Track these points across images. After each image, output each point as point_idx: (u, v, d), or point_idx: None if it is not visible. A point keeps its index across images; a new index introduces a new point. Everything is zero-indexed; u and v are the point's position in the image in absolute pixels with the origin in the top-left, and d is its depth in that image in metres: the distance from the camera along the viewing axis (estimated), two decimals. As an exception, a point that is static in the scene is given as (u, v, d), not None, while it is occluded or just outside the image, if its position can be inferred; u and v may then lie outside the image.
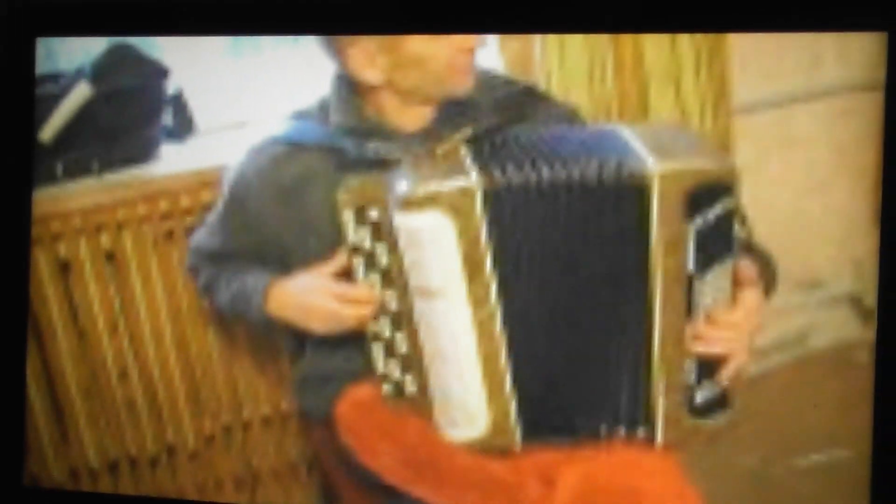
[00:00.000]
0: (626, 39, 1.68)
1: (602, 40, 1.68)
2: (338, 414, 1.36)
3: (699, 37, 1.69)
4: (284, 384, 1.73)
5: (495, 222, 1.15)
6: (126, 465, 1.72)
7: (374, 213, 1.22)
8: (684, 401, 1.21)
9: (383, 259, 1.24)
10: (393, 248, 1.22)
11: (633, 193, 1.13)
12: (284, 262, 1.35)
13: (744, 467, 1.83)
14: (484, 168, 1.15)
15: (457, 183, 1.15)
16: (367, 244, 1.24)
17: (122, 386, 1.69)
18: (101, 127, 1.65)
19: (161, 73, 1.69)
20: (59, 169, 1.63)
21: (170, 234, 1.65)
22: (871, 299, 1.96)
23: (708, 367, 1.21)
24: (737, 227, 1.18)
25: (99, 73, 1.63)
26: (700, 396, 1.22)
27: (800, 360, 2.03)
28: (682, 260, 1.14)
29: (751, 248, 1.29)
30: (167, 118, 1.76)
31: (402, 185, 1.16)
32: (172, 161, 1.72)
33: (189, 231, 1.62)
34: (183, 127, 1.77)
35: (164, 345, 1.69)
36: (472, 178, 1.14)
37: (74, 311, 1.65)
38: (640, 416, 1.22)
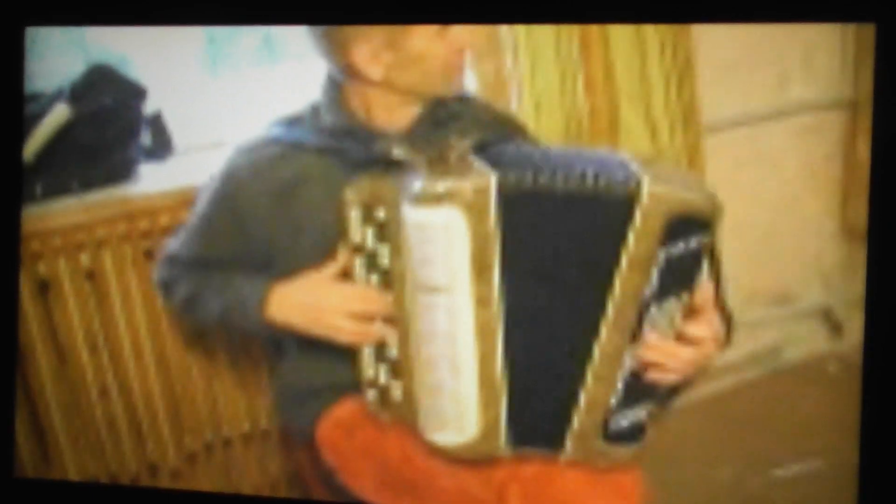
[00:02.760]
0: (597, 56, 1.70)
1: (573, 56, 1.69)
2: (319, 434, 1.36)
3: (668, 54, 1.71)
4: (265, 401, 1.74)
5: (506, 224, 1.16)
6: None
7: (381, 213, 1.22)
8: (600, 422, 1.22)
9: (385, 260, 1.24)
10: (396, 250, 1.22)
11: (620, 205, 1.13)
12: (269, 266, 1.34)
13: (720, 480, 1.85)
14: (501, 170, 1.16)
15: (474, 181, 1.15)
16: (370, 244, 1.24)
17: (102, 404, 1.69)
18: (81, 147, 1.65)
19: (139, 93, 1.70)
20: (39, 189, 1.63)
21: (149, 253, 1.64)
22: (841, 311, 1.99)
23: (634, 395, 1.22)
24: (706, 267, 1.19)
25: (78, 93, 1.64)
26: (615, 423, 1.22)
27: (773, 373, 2.05)
28: (644, 282, 1.15)
29: (719, 297, 1.28)
30: (146, 138, 1.76)
31: (418, 183, 1.16)
32: (151, 180, 1.72)
33: (167, 249, 1.63)
34: (161, 146, 1.78)
35: (143, 363, 1.69)
36: (492, 179, 1.15)
37: (54, 329, 1.65)
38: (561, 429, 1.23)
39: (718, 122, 1.84)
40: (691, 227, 1.14)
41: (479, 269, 1.16)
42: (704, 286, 1.21)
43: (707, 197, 1.15)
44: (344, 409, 1.35)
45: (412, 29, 1.24)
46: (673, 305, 1.19)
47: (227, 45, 1.86)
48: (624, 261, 1.14)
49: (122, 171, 1.70)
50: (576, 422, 1.22)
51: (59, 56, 1.72)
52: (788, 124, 1.90)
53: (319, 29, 1.28)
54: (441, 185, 1.15)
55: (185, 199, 1.60)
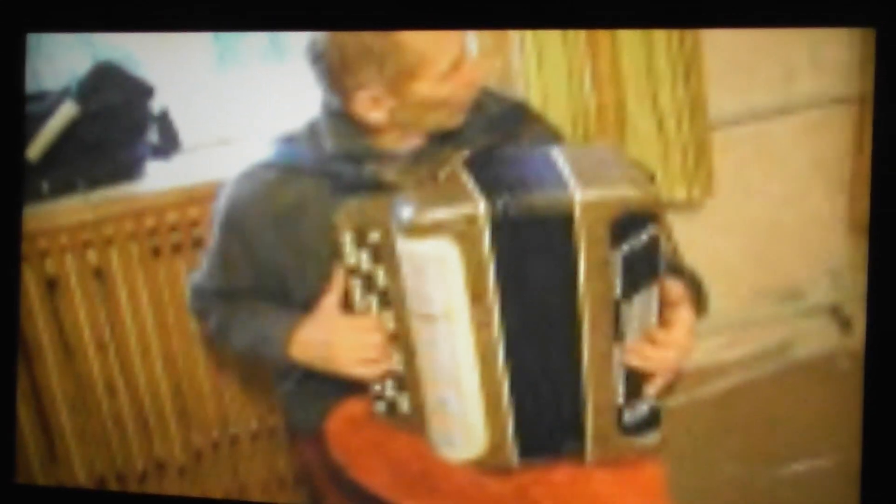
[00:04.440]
0: (604, 49, 1.69)
1: (580, 50, 1.69)
2: (328, 430, 1.36)
3: (675, 47, 1.70)
4: (271, 398, 1.74)
5: (497, 248, 1.17)
6: (114, 481, 1.72)
7: (374, 236, 1.22)
8: (614, 420, 1.23)
9: (381, 281, 1.24)
10: (392, 270, 1.22)
11: (561, 222, 1.15)
12: (284, 292, 1.34)
13: (728, 476, 1.84)
14: (488, 194, 1.17)
15: (463, 210, 1.16)
16: (365, 266, 1.24)
17: (109, 402, 1.70)
18: (88, 145, 1.66)
19: (146, 90, 1.71)
20: (46, 187, 1.64)
21: (156, 251, 1.65)
22: (850, 308, 1.98)
23: (635, 386, 1.23)
24: (663, 249, 1.20)
25: (84, 91, 1.65)
26: (630, 415, 1.24)
27: (782, 370, 2.04)
28: (609, 285, 1.17)
29: (679, 270, 1.31)
30: (152, 135, 1.76)
31: (407, 211, 1.17)
32: (158, 178, 1.72)
33: (177, 247, 1.64)
34: (168, 144, 1.78)
35: (150, 360, 1.70)
36: (480, 207, 1.16)
37: (61, 327, 1.65)
38: (577, 434, 1.25)
39: (724, 117, 1.83)
40: (636, 222, 1.15)
41: (475, 294, 1.18)
42: (669, 281, 1.23)
43: (642, 186, 1.17)
44: (352, 407, 1.35)
45: (416, 75, 1.22)
46: (644, 298, 1.20)
47: (233, 42, 1.86)
48: (582, 271, 1.16)
49: (128, 169, 1.71)
50: (589, 425, 1.23)
51: (65, 54, 1.72)
52: (796, 120, 1.89)
53: (317, 70, 1.27)
54: (429, 216, 1.15)
55: (191, 196, 1.62)
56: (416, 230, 1.16)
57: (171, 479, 1.75)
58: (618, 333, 1.19)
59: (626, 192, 1.15)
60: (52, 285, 1.64)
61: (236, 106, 1.80)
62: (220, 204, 1.36)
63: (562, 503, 1.26)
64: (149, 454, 1.73)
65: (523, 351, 1.21)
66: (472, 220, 1.15)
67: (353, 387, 1.33)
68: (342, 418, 1.36)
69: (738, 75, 1.83)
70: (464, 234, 1.15)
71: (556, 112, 1.66)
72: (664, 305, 1.22)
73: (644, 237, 1.16)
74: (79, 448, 1.71)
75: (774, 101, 1.87)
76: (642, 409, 1.24)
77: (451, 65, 1.23)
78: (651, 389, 1.24)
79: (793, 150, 1.90)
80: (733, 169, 1.85)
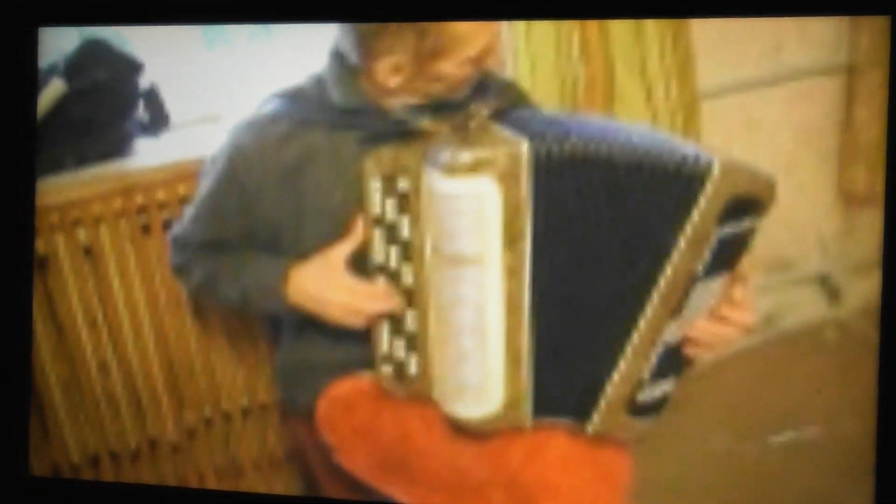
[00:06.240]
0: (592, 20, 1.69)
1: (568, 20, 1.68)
2: (318, 411, 1.36)
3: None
4: (264, 375, 1.74)
5: (537, 192, 1.14)
6: (108, 460, 1.72)
7: (403, 184, 1.21)
8: (628, 395, 1.21)
9: (405, 232, 1.23)
10: (416, 221, 1.21)
11: (689, 181, 1.11)
12: (274, 246, 1.33)
13: (716, 446, 1.85)
14: (532, 137, 1.14)
15: (507, 149, 1.13)
16: (390, 216, 1.23)
17: (101, 380, 1.69)
18: (76, 122, 1.65)
19: (134, 67, 1.70)
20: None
21: (146, 228, 1.65)
22: (838, 278, 2.00)
23: (667, 366, 1.21)
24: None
25: (72, 69, 1.64)
26: (643, 395, 1.22)
27: (770, 340, 2.06)
28: (697, 260, 1.14)
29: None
30: (141, 113, 1.76)
31: (446, 153, 1.15)
32: (147, 155, 1.72)
33: (167, 224, 1.63)
34: (157, 121, 1.77)
35: (142, 338, 1.69)
36: (523, 146, 1.13)
37: (53, 306, 1.65)
38: (589, 401, 1.23)
39: (712, 88, 1.83)
40: (748, 208, 1.13)
41: (511, 238, 1.15)
42: (744, 265, 1.20)
43: (768, 178, 1.13)
44: (343, 387, 1.35)
45: (446, 55, 1.22)
46: (717, 283, 1.18)
47: (221, 18, 1.85)
48: (683, 238, 1.13)
49: (117, 146, 1.70)
50: (608, 394, 1.21)
51: (52, 31, 1.71)
52: (783, 90, 1.90)
53: (347, 30, 1.26)
54: (471, 154, 1.13)
55: (181, 173, 1.61)
56: (459, 168, 1.13)
57: (164, 456, 1.75)
58: (679, 309, 1.17)
59: (762, 174, 1.12)
60: (42, 264, 1.63)
61: (225, 82, 1.80)
62: (221, 153, 1.34)
63: (543, 490, 1.24)
64: (141, 432, 1.73)
65: (559, 303, 1.18)
66: (515, 158, 1.12)
67: (346, 364, 1.33)
68: (332, 400, 1.36)
69: (726, 47, 1.83)
70: (505, 174, 1.12)
71: (544, 79, 1.66)
72: (733, 283, 1.20)
73: (746, 224, 1.13)
74: (71, 426, 1.70)
75: (762, 73, 1.88)
76: (658, 390, 1.23)
77: (482, 51, 1.23)
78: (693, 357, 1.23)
79: (781, 122, 1.92)
80: (721, 140, 1.86)
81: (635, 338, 1.18)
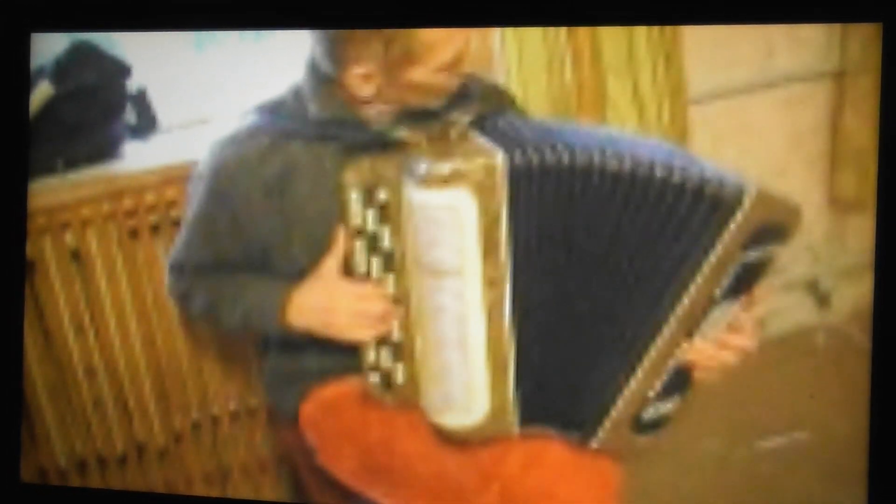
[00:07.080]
0: (584, 33, 1.69)
1: (560, 34, 1.69)
2: (303, 413, 1.36)
3: (656, 31, 1.71)
4: (252, 379, 1.74)
5: (515, 203, 1.14)
6: (95, 464, 1.72)
7: (382, 195, 1.21)
8: (634, 413, 1.22)
9: (386, 243, 1.22)
10: (397, 231, 1.21)
11: (715, 205, 1.10)
12: (267, 265, 1.32)
13: (706, 451, 1.86)
14: (506, 147, 1.14)
15: (482, 160, 1.13)
16: (370, 227, 1.23)
17: (88, 384, 1.69)
18: (64, 125, 1.64)
19: (123, 70, 1.69)
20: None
21: (134, 232, 1.64)
22: (828, 283, 2.00)
23: (674, 385, 1.22)
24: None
25: (60, 71, 1.63)
26: (647, 413, 1.23)
27: (760, 344, 2.06)
28: (718, 284, 1.14)
29: None
30: (130, 116, 1.75)
31: (422, 164, 1.15)
32: (136, 158, 1.71)
33: (155, 228, 1.63)
34: (146, 124, 1.76)
35: (129, 342, 1.69)
36: (498, 156, 1.13)
37: (40, 309, 1.64)
38: (593, 416, 1.23)
39: (703, 93, 1.84)
40: (774, 234, 1.13)
41: (489, 249, 1.15)
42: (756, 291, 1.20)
43: (796, 206, 1.14)
44: (329, 391, 1.35)
45: (417, 62, 1.21)
46: (732, 307, 1.18)
47: (210, 21, 1.84)
48: (707, 261, 1.12)
49: (106, 150, 1.69)
50: (616, 410, 1.22)
51: (41, 34, 1.70)
52: (774, 95, 1.90)
53: (320, 33, 1.25)
54: (447, 166, 1.13)
55: (170, 176, 1.61)
56: (434, 180, 1.13)
57: (151, 460, 1.74)
58: (694, 331, 1.17)
59: (791, 202, 1.13)
60: (29, 267, 1.62)
61: (214, 85, 1.79)
62: (205, 171, 1.33)
63: (541, 498, 1.25)
64: (129, 437, 1.73)
65: (537, 314, 1.18)
66: (490, 169, 1.12)
67: (333, 370, 1.33)
68: (316, 403, 1.36)
69: (717, 51, 1.83)
70: (482, 185, 1.12)
71: (537, 94, 1.67)
72: (745, 307, 1.20)
73: (768, 250, 1.14)
74: (58, 430, 1.70)
75: (753, 77, 1.88)
76: (662, 409, 1.23)
77: (454, 58, 1.22)
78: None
79: (771, 126, 1.92)
80: (711, 145, 1.86)
81: (650, 356, 1.18)
